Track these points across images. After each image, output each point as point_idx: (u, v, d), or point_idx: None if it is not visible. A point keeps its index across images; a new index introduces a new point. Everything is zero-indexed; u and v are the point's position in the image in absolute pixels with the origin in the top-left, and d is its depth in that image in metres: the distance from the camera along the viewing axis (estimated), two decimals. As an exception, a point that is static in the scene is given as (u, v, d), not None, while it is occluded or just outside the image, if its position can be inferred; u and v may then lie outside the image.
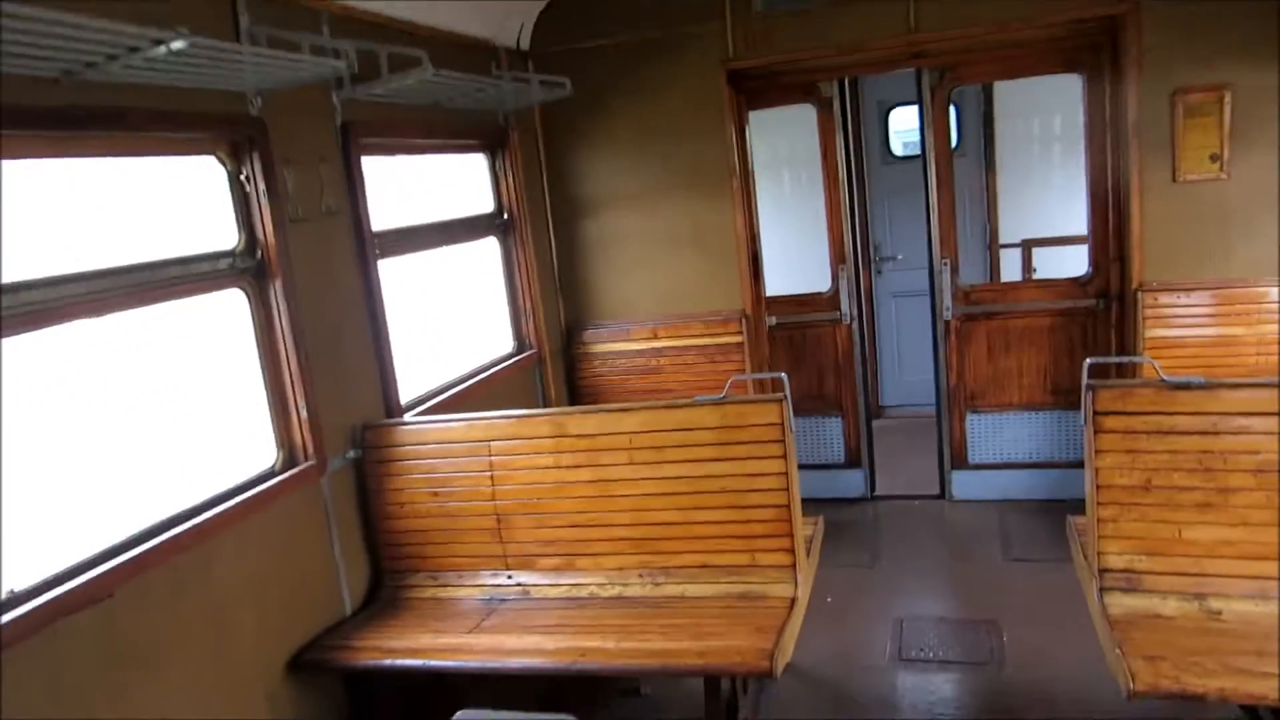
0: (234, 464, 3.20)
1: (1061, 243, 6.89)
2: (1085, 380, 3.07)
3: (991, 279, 7.06)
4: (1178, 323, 4.86)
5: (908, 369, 7.53)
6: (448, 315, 4.97)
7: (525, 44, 5.50)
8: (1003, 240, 7.13)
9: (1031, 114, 6.96)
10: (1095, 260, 5.28)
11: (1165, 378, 3.00)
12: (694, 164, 5.41)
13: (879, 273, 7.46)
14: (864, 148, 7.28)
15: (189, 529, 2.84)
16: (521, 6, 5.33)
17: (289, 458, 3.39)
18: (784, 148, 7.29)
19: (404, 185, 4.55)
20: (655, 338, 5.61)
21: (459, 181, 5.15)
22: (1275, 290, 4.67)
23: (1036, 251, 7.03)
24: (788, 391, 3.25)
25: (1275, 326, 4.74)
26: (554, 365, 5.58)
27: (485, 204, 5.25)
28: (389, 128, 4.17)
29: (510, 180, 5.29)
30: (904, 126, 7.34)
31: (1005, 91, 6.86)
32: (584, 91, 5.43)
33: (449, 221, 4.80)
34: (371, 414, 3.81)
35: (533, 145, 5.57)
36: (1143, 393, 3.01)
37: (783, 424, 3.23)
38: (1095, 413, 3.03)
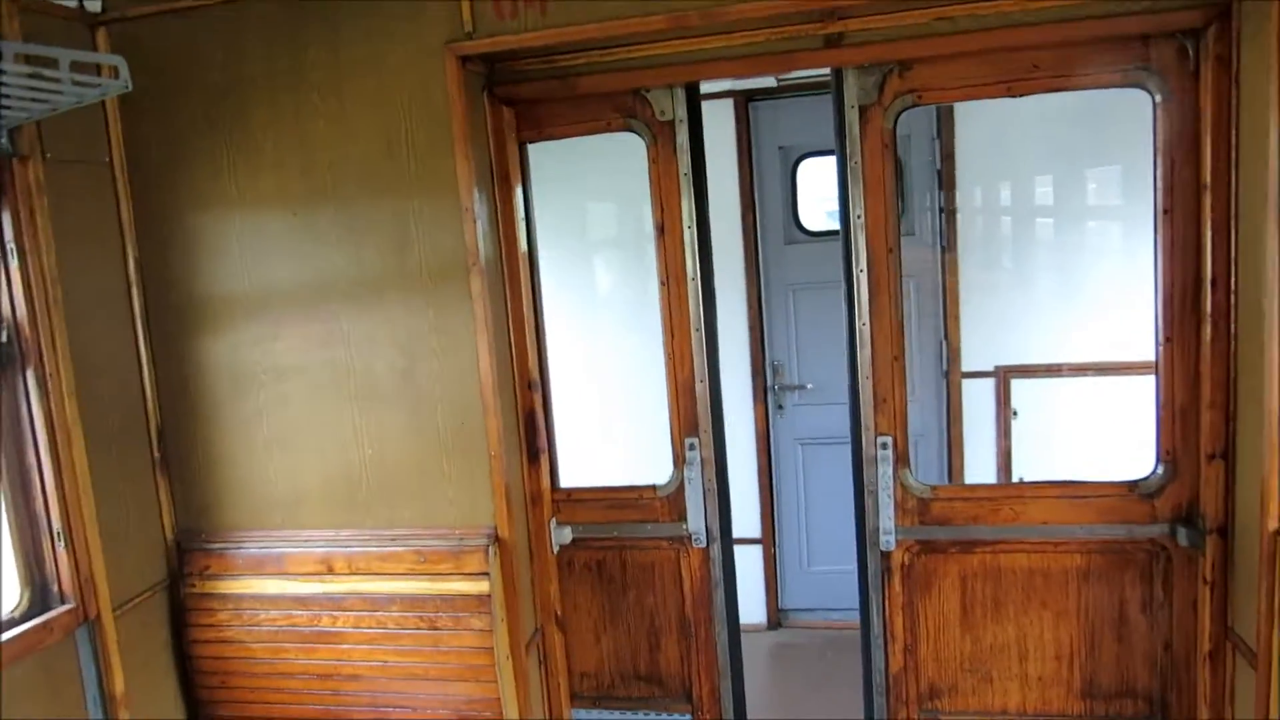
0: None
1: (1065, 372, 4.43)
2: None
3: (950, 441, 4.40)
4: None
5: (822, 556, 4.90)
6: None
7: (94, 3, 2.84)
8: (966, 367, 4.58)
9: (1014, 164, 4.44)
10: (1172, 449, 2.72)
11: None
12: (400, 242, 2.76)
13: (779, 407, 4.85)
14: (759, 217, 4.73)
15: None
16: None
17: None
18: (606, 207, 4.73)
19: None
20: (331, 574, 2.88)
21: None
22: None
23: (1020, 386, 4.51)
24: None
25: None
26: (129, 628, 2.78)
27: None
28: None
29: (25, 262, 2.57)
30: (820, 186, 4.85)
31: (974, 119, 4.34)
32: (205, 96, 2.83)
33: None
34: None
35: (103, 190, 2.88)
36: None
37: None
38: None
